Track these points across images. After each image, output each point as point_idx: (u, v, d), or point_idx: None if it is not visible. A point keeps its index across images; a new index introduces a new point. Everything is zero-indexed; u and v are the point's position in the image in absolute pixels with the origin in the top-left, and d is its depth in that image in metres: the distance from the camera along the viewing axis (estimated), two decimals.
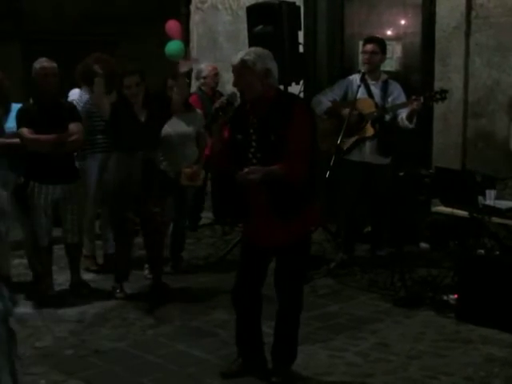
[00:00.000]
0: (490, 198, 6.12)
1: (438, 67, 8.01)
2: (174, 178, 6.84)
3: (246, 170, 4.45)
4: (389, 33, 8.53)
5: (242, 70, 4.53)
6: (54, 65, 6.33)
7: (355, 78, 7.07)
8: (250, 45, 7.48)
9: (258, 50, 4.64)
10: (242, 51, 4.67)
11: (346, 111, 6.87)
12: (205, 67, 8.67)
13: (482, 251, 5.78)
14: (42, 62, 6.31)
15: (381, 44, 7.16)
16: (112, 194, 6.35)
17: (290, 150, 4.46)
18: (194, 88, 8.88)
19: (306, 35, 8.37)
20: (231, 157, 4.64)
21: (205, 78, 8.58)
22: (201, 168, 7.00)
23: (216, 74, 8.60)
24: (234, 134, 4.64)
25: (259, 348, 4.95)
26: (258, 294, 4.83)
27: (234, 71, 4.58)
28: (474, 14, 7.77)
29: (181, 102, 6.56)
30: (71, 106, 6.58)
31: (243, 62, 4.52)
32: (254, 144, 4.57)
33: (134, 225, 6.52)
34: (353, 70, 8.47)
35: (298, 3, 7.69)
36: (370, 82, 7.11)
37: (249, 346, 4.95)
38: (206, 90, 8.57)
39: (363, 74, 6.97)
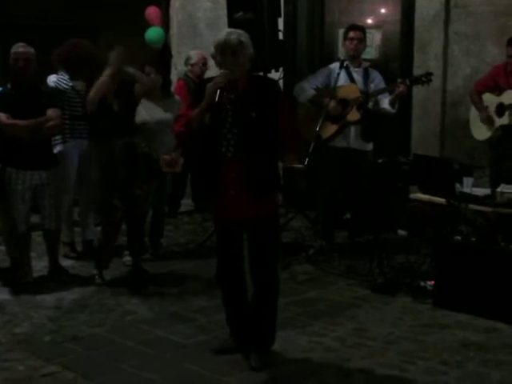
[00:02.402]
0: (467, 186, 6.17)
1: (417, 55, 8.06)
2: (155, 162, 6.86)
3: None
4: (368, 21, 8.57)
5: (238, 49, 4.61)
6: (29, 50, 6.25)
7: (337, 65, 7.10)
8: None
9: (244, 32, 4.73)
10: (230, 30, 4.75)
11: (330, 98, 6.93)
12: (194, 54, 8.70)
13: (459, 238, 5.82)
14: (15, 48, 6.27)
15: (364, 32, 7.24)
16: (97, 182, 6.33)
17: (288, 131, 4.69)
18: (181, 74, 8.91)
19: (285, 22, 8.39)
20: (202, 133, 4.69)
21: (193, 65, 8.62)
22: (179, 155, 7.00)
23: (204, 64, 8.62)
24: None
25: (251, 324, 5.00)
26: (241, 271, 4.87)
27: (227, 49, 4.59)
28: (453, 2, 7.83)
29: (143, 92, 6.54)
30: (50, 91, 6.54)
31: (241, 42, 4.60)
32: (229, 120, 4.62)
33: (122, 212, 6.49)
34: (333, 57, 8.51)
35: None
36: (352, 69, 7.17)
37: (240, 324, 5.00)
38: (193, 77, 8.60)
39: (342, 61, 7.03)
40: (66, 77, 6.96)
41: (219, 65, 4.69)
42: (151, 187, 6.65)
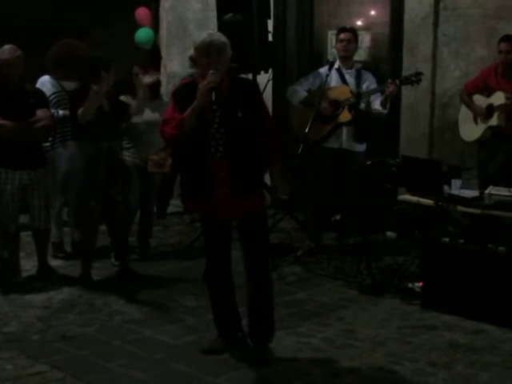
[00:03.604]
0: (455, 188, 6.20)
1: (406, 57, 8.07)
2: (141, 164, 6.85)
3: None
4: (358, 23, 8.59)
5: (223, 51, 4.68)
6: (13, 55, 6.18)
7: (326, 68, 7.13)
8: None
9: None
10: (210, 32, 4.86)
11: (320, 99, 6.96)
12: None
13: (447, 239, 5.84)
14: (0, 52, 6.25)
15: (355, 33, 7.28)
16: (77, 182, 6.33)
17: (268, 129, 4.81)
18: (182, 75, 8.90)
19: (275, 24, 8.39)
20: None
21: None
22: (167, 155, 7.01)
23: None
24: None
25: (239, 324, 5.08)
26: (229, 271, 4.95)
27: (213, 50, 4.64)
28: (442, 5, 7.84)
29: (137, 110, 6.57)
30: (38, 92, 6.53)
31: (224, 43, 4.69)
32: (217, 120, 4.69)
33: (98, 212, 6.48)
34: (322, 59, 8.53)
35: None
36: (344, 70, 7.22)
37: (229, 324, 5.06)
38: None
39: (332, 63, 7.07)
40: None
41: (202, 66, 4.71)
42: (131, 190, 6.64)
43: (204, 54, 4.66)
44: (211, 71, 4.62)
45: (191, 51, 4.80)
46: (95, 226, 6.54)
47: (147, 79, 6.73)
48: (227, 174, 4.67)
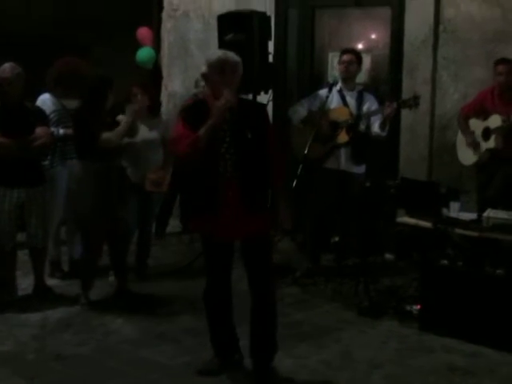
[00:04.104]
0: (454, 210, 6.20)
1: (405, 80, 8.08)
2: (139, 183, 6.84)
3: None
4: (358, 45, 8.60)
5: (237, 69, 4.71)
6: (13, 73, 6.19)
7: (333, 89, 7.16)
8: None
9: None
10: (223, 50, 4.88)
11: (319, 120, 6.98)
12: None
13: (446, 262, 5.82)
14: (0, 70, 6.25)
15: (357, 55, 7.32)
16: (87, 203, 6.29)
17: (274, 154, 4.81)
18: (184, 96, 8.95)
19: (276, 45, 8.41)
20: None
21: (204, 86, 8.61)
22: (166, 174, 7.01)
23: None
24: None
25: (236, 345, 5.06)
26: (230, 291, 4.95)
27: (228, 67, 4.66)
28: (441, 27, 7.86)
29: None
30: (38, 109, 6.53)
31: (238, 62, 4.72)
32: (227, 140, 4.68)
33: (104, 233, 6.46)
34: (322, 80, 8.55)
35: (268, 13, 7.75)
36: (345, 92, 7.24)
37: (226, 345, 5.04)
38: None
39: (331, 85, 7.08)
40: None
41: (214, 83, 4.70)
42: (130, 209, 6.63)
43: (218, 71, 4.66)
44: (227, 89, 4.61)
45: (194, 71, 4.80)
46: (101, 246, 6.52)
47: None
48: (235, 194, 4.67)
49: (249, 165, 4.70)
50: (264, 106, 5.12)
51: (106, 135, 6.19)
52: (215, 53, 4.80)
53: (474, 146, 7.01)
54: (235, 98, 4.73)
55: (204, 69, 4.75)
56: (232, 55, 4.72)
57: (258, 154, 4.72)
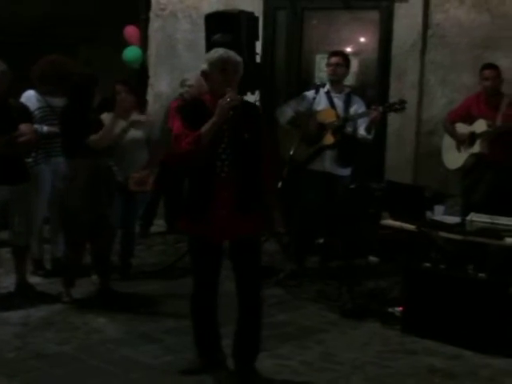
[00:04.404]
0: (438, 214, 6.21)
1: (393, 83, 8.12)
2: (123, 182, 6.82)
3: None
4: (346, 48, 8.61)
5: (238, 69, 4.70)
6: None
7: (319, 91, 7.17)
8: None
9: None
10: (226, 50, 4.78)
11: (306, 121, 6.98)
12: (191, 76, 8.70)
13: (429, 265, 5.83)
14: None
15: (345, 58, 7.32)
16: (75, 201, 6.27)
17: (267, 156, 4.79)
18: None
19: (263, 46, 8.43)
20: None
21: (190, 86, 8.62)
22: (150, 173, 6.99)
23: (201, 85, 8.59)
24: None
25: (219, 344, 5.03)
26: (216, 293, 4.91)
27: (230, 66, 4.64)
28: (430, 32, 7.90)
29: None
30: (21, 106, 6.49)
31: (240, 62, 4.71)
32: (225, 140, 4.65)
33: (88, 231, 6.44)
34: (310, 82, 8.56)
35: (256, 14, 7.74)
36: (333, 94, 7.24)
37: (209, 345, 5.00)
38: (189, 98, 8.62)
39: (317, 86, 7.11)
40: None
41: (215, 81, 4.67)
42: (114, 208, 6.62)
43: (219, 70, 4.63)
44: (229, 89, 4.60)
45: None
46: (84, 245, 6.50)
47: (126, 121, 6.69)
48: (230, 194, 4.64)
49: (244, 166, 4.67)
50: (257, 106, 5.12)
51: (92, 138, 6.17)
52: (217, 51, 4.75)
53: (466, 143, 6.99)
54: (239, 97, 4.70)
55: (204, 66, 4.71)
56: (234, 54, 4.70)
57: (253, 156, 4.70)
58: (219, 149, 4.64)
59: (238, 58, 4.71)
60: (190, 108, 4.87)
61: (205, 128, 4.58)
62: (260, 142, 4.74)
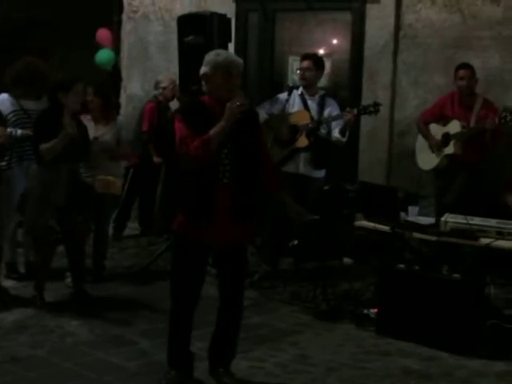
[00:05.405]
0: (412, 214, 6.23)
1: (365, 84, 8.14)
2: (91, 185, 6.78)
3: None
4: (319, 49, 8.63)
5: (241, 71, 4.65)
6: None
7: (293, 93, 7.17)
8: (180, 55, 7.51)
9: None
10: (227, 51, 4.87)
11: (279, 123, 6.98)
12: (164, 78, 8.68)
13: (403, 266, 5.84)
14: None
15: (316, 60, 7.29)
16: (33, 205, 6.23)
17: (267, 159, 4.84)
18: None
19: (236, 48, 8.42)
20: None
21: (164, 88, 8.60)
22: (117, 177, 6.96)
23: (174, 87, 8.59)
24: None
25: (192, 356, 4.91)
26: (199, 296, 4.82)
27: (234, 70, 4.57)
28: (402, 33, 7.94)
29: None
30: None
31: (242, 65, 4.65)
32: (228, 145, 4.60)
33: (56, 234, 6.40)
34: (283, 84, 8.57)
35: (229, 16, 7.72)
36: (307, 96, 7.24)
37: (185, 355, 4.87)
38: (163, 100, 8.61)
39: (291, 88, 7.11)
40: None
41: (217, 84, 4.57)
42: (88, 213, 6.58)
43: (223, 72, 4.54)
44: (241, 92, 4.61)
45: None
46: (50, 247, 6.45)
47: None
48: (230, 200, 4.59)
49: (246, 172, 4.63)
50: (255, 111, 5.08)
51: (43, 147, 6.12)
52: (220, 54, 4.65)
53: (438, 147, 7.05)
54: (247, 101, 4.65)
55: (205, 69, 4.60)
56: (237, 57, 4.67)
57: (253, 161, 4.67)
58: (221, 154, 4.59)
59: (241, 61, 4.65)
60: (191, 110, 4.71)
61: (213, 131, 4.50)
62: (259, 147, 4.73)
